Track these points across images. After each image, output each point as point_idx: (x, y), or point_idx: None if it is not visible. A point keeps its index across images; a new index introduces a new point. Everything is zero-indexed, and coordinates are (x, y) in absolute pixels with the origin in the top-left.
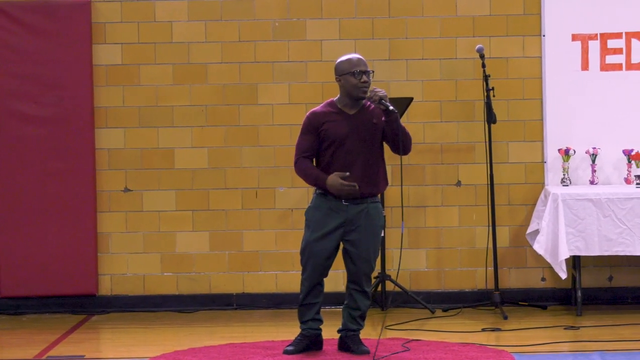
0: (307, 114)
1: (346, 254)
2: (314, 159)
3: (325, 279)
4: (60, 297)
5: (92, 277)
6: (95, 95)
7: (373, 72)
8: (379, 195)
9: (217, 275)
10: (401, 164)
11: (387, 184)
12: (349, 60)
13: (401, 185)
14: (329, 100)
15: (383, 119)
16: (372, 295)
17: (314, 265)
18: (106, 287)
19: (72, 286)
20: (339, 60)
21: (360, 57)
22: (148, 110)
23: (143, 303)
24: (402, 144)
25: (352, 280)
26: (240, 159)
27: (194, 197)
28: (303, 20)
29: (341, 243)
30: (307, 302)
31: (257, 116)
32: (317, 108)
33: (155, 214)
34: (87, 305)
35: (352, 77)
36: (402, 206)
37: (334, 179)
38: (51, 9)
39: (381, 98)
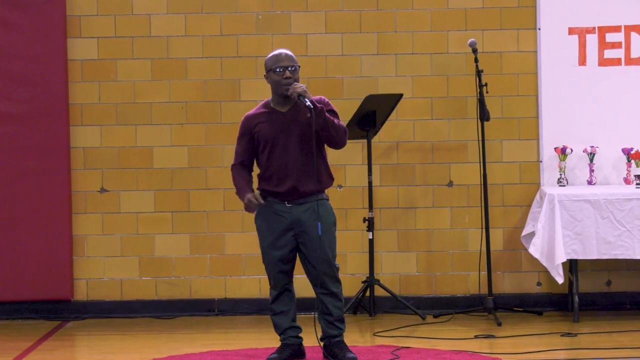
0: (242, 118)
1: (303, 258)
2: (255, 161)
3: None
4: (34, 303)
5: (67, 281)
6: (70, 91)
7: (299, 67)
8: (326, 192)
9: (198, 280)
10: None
11: (332, 179)
12: (273, 56)
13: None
14: (264, 100)
15: (308, 115)
16: (359, 300)
17: (275, 272)
18: (82, 292)
19: (46, 291)
20: (267, 57)
21: (286, 52)
22: (125, 107)
23: (120, 309)
24: (333, 139)
25: (315, 284)
26: (222, 158)
27: (174, 198)
28: (287, 13)
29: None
30: (279, 310)
31: (239, 113)
32: (251, 111)
33: (133, 215)
34: (61, 311)
35: (274, 73)
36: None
37: (247, 195)
38: (23, 1)
39: (299, 94)
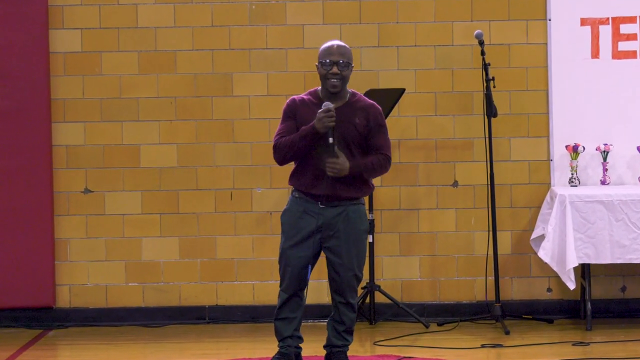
0: (287, 100)
1: (328, 263)
2: None
3: (308, 290)
4: (13, 310)
5: (48, 287)
6: (52, 86)
7: (351, 65)
8: (365, 198)
9: (188, 286)
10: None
11: (371, 187)
12: (324, 47)
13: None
14: (313, 89)
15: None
16: (358, 307)
17: (291, 274)
18: (64, 299)
19: (26, 298)
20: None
21: (339, 44)
22: (111, 102)
23: (105, 316)
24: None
25: (335, 290)
26: (213, 157)
27: (162, 199)
28: (283, 3)
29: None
30: (284, 315)
31: (231, 109)
32: (298, 95)
33: (119, 217)
34: (43, 319)
35: (321, 66)
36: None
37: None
38: None
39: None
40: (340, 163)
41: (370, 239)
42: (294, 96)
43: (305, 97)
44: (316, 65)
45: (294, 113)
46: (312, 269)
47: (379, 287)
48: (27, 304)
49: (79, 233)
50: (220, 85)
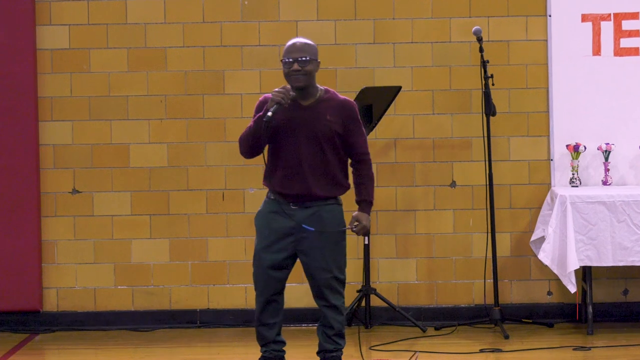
0: (260, 98)
1: (303, 267)
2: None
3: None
4: None
5: (35, 291)
6: (39, 83)
7: (314, 59)
8: (340, 198)
9: (179, 289)
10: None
11: (347, 187)
12: (285, 46)
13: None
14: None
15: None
16: (354, 311)
17: (265, 279)
18: (52, 303)
19: (12, 301)
20: None
21: (301, 41)
22: (99, 100)
23: (94, 320)
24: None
25: (316, 295)
26: (205, 156)
27: (152, 200)
28: None
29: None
30: (264, 322)
31: (223, 107)
32: (269, 93)
33: (108, 218)
34: (30, 323)
35: (283, 64)
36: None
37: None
38: None
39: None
40: (363, 224)
41: (365, 240)
42: (266, 94)
43: None
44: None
45: (262, 109)
46: (288, 273)
47: (375, 290)
48: (13, 307)
49: (66, 235)
50: (211, 83)
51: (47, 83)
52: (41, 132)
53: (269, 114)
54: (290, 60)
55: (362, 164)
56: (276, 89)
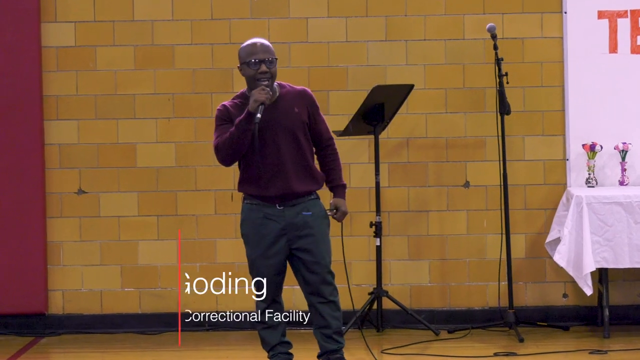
0: (219, 107)
1: (299, 264)
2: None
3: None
4: (4, 317)
5: (40, 293)
6: (44, 82)
7: (276, 59)
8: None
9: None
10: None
11: (323, 178)
12: (247, 46)
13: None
14: (239, 92)
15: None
16: (365, 313)
17: (267, 284)
18: (57, 305)
19: (17, 304)
20: (241, 46)
21: (262, 42)
22: (105, 99)
23: (100, 323)
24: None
25: (311, 293)
26: (213, 156)
27: (159, 200)
28: None
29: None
30: (268, 324)
31: None
32: (227, 102)
33: (114, 219)
34: (35, 326)
35: (248, 66)
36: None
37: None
38: None
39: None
40: (342, 210)
41: (377, 242)
42: (224, 102)
43: (235, 101)
44: (238, 67)
45: (229, 116)
46: (284, 274)
47: (387, 292)
48: (18, 310)
49: (72, 236)
50: (220, 81)
51: (53, 81)
52: (46, 132)
53: (258, 115)
54: (257, 61)
55: (329, 149)
56: (255, 90)
